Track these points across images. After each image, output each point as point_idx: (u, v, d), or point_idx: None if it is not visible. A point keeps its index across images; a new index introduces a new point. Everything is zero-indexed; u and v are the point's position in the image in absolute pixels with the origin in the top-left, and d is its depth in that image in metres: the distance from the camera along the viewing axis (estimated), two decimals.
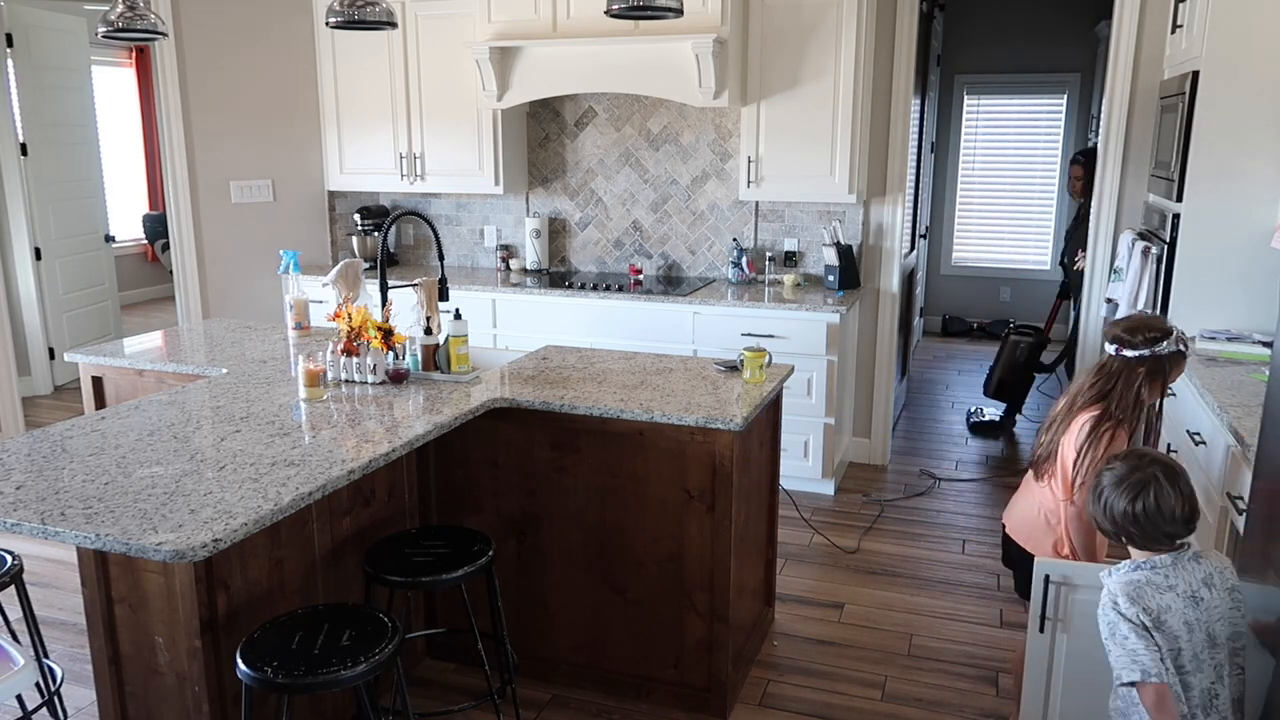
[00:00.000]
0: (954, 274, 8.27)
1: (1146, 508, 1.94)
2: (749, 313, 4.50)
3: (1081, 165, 5.46)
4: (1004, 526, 2.70)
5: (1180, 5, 3.90)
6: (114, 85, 9.39)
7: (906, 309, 5.73)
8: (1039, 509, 2.53)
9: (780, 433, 3.32)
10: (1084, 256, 5.32)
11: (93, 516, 1.94)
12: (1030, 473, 2.61)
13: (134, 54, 9.54)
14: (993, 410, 5.79)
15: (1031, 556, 2.49)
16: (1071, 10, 7.48)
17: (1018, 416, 5.72)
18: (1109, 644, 1.95)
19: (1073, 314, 5.58)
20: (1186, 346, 2.43)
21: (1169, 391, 2.59)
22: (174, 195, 5.17)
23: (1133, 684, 1.90)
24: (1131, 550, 2.05)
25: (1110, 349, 2.42)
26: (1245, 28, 3.37)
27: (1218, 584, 1.98)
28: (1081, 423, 2.40)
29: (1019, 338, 5.57)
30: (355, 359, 2.98)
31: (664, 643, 2.94)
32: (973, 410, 5.86)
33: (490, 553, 2.54)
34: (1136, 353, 2.38)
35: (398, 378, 2.99)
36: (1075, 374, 5.04)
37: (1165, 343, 2.38)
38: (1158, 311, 3.72)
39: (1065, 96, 7.73)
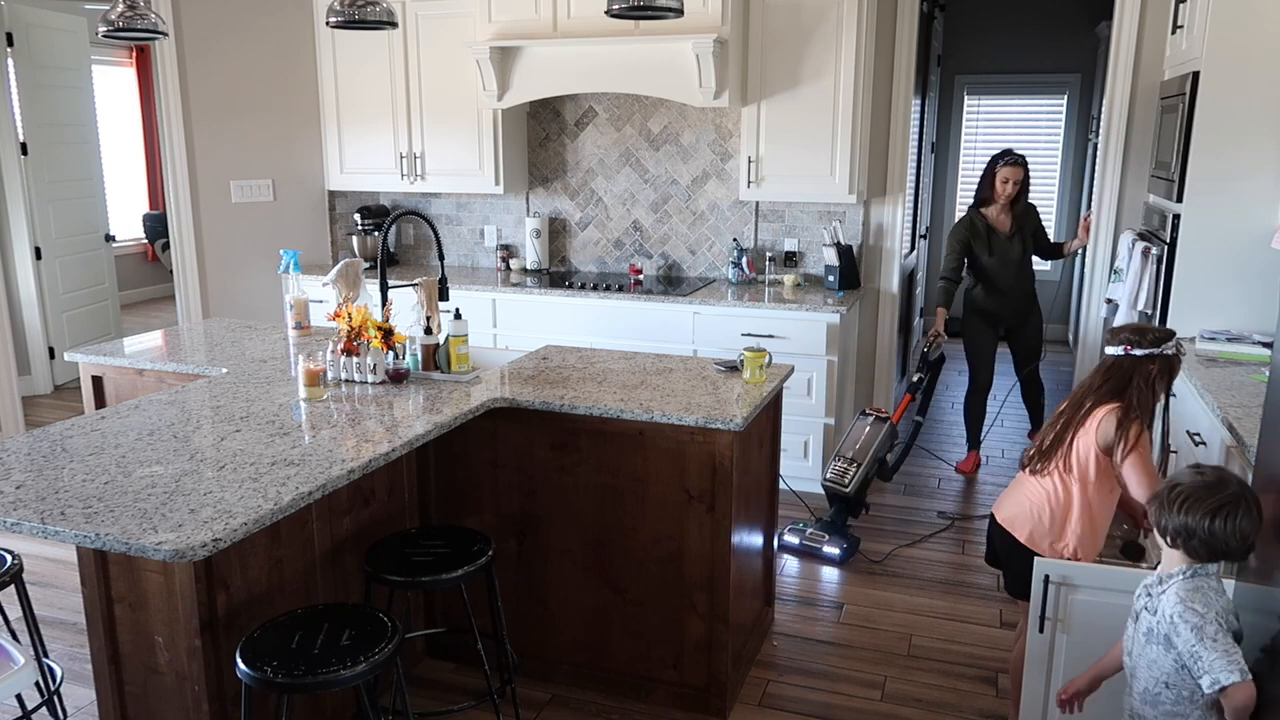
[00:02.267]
0: None
1: (1227, 526, 1.92)
2: (749, 313, 4.50)
3: (1022, 166, 4.56)
4: (990, 521, 2.70)
5: (1180, 6, 3.91)
6: (114, 85, 9.38)
7: (906, 309, 5.74)
8: (1038, 505, 2.54)
9: (780, 433, 3.32)
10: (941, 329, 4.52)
11: (92, 516, 1.94)
12: (1023, 471, 2.62)
13: (134, 53, 9.54)
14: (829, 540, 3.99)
15: (1021, 552, 2.51)
16: (1071, 10, 7.48)
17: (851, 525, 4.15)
18: (1197, 649, 1.89)
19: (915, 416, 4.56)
20: (1183, 350, 2.54)
21: (1172, 393, 2.64)
22: (174, 195, 5.17)
23: (1224, 687, 1.85)
24: (1172, 556, 2.00)
25: (1117, 350, 2.49)
26: (1245, 28, 3.37)
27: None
28: (1102, 416, 2.45)
29: (871, 417, 4.14)
30: (355, 359, 2.98)
31: (664, 643, 2.94)
32: (800, 525, 4.06)
33: (490, 552, 2.54)
34: (1146, 351, 2.46)
35: (398, 377, 2.99)
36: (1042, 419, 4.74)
37: (1169, 343, 2.48)
38: (1157, 312, 3.73)
39: (1065, 97, 7.73)
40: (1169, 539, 2.00)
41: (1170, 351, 2.48)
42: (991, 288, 4.78)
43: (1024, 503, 2.58)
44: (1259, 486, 2.10)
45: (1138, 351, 2.47)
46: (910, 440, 4.58)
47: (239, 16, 5.14)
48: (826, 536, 3.96)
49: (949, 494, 4.71)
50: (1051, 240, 4.92)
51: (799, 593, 3.69)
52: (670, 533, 2.85)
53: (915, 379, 4.53)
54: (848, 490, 3.94)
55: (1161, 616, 1.96)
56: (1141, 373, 2.47)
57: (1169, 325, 3.64)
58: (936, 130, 7.72)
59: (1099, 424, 2.45)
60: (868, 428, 4.08)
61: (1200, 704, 1.93)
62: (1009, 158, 4.64)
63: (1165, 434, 3.07)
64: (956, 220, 4.86)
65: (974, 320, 4.90)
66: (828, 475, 4.02)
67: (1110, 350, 2.51)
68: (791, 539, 4.02)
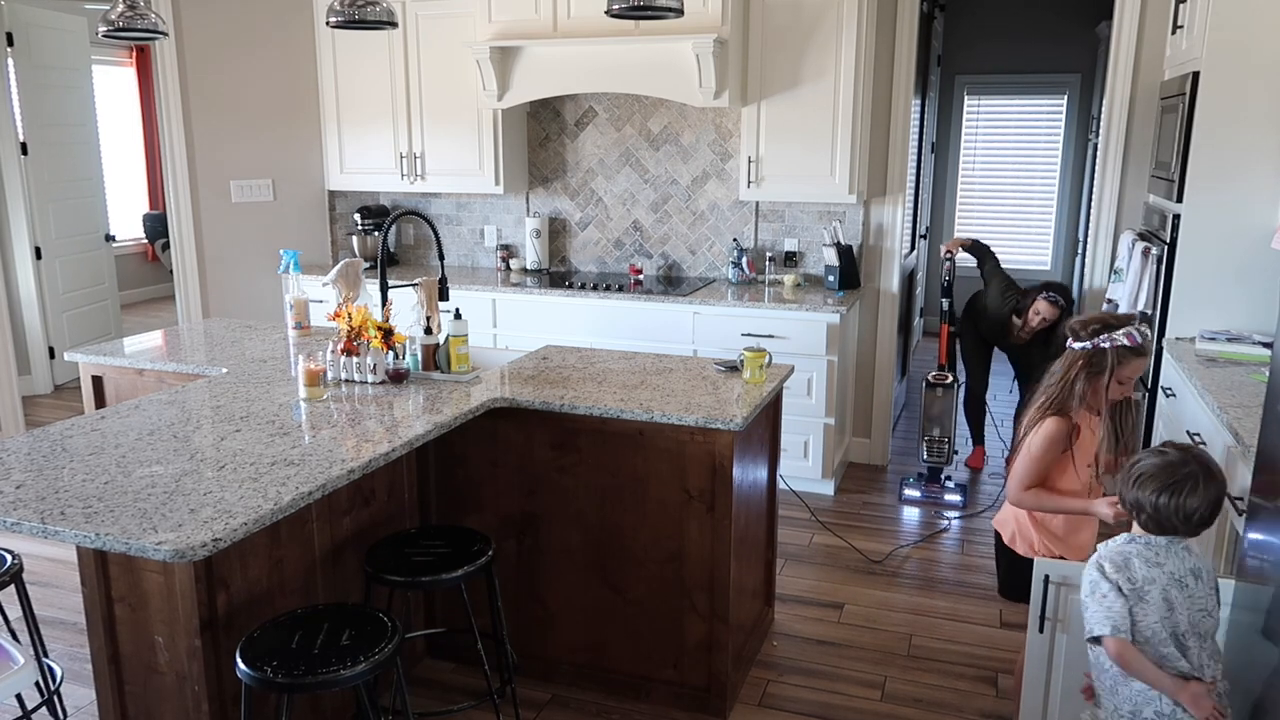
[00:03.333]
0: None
1: (1173, 503, 1.99)
2: (749, 313, 4.50)
3: (1059, 306, 4.50)
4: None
5: (1180, 6, 3.90)
6: (114, 85, 9.39)
7: (906, 309, 5.74)
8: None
9: (780, 433, 3.32)
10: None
11: (92, 516, 1.94)
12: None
13: (134, 53, 9.54)
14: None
15: (1006, 554, 2.52)
16: (1071, 10, 7.48)
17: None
18: (1087, 601, 2.04)
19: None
20: (1141, 340, 2.38)
21: (1137, 391, 2.59)
22: (174, 195, 5.17)
23: (1098, 639, 2.01)
24: (1135, 526, 2.11)
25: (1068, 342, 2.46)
26: (1245, 28, 3.37)
27: (1205, 579, 2.05)
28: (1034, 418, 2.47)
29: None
30: (355, 359, 2.98)
31: (664, 643, 2.94)
32: (910, 480, 4.70)
33: (490, 552, 2.54)
34: (1080, 345, 2.41)
35: (398, 377, 2.99)
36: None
37: (1109, 335, 2.36)
38: (1157, 312, 3.72)
39: (1065, 97, 7.73)
40: (1129, 510, 2.10)
41: (1106, 344, 2.35)
42: (982, 320, 4.89)
43: (1008, 508, 2.60)
44: (1260, 487, 2.10)
45: (1074, 345, 2.42)
46: (964, 398, 5.05)
47: (239, 16, 5.14)
48: (942, 488, 4.63)
49: (949, 495, 4.70)
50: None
51: (799, 593, 3.69)
52: (670, 533, 2.85)
53: (945, 307, 4.85)
54: (948, 464, 4.65)
55: None
56: (1067, 368, 2.42)
57: (1169, 325, 3.63)
58: (936, 130, 7.71)
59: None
60: (939, 399, 4.61)
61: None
62: (1049, 294, 4.54)
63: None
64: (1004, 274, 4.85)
65: (966, 324, 4.99)
66: (925, 456, 4.66)
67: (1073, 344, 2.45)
68: (913, 492, 4.63)
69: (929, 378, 4.67)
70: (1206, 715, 1.94)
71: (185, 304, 5.30)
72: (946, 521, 4.37)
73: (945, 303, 4.85)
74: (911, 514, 4.48)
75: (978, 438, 5.15)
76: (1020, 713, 2.45)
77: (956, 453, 4.79)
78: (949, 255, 4.83)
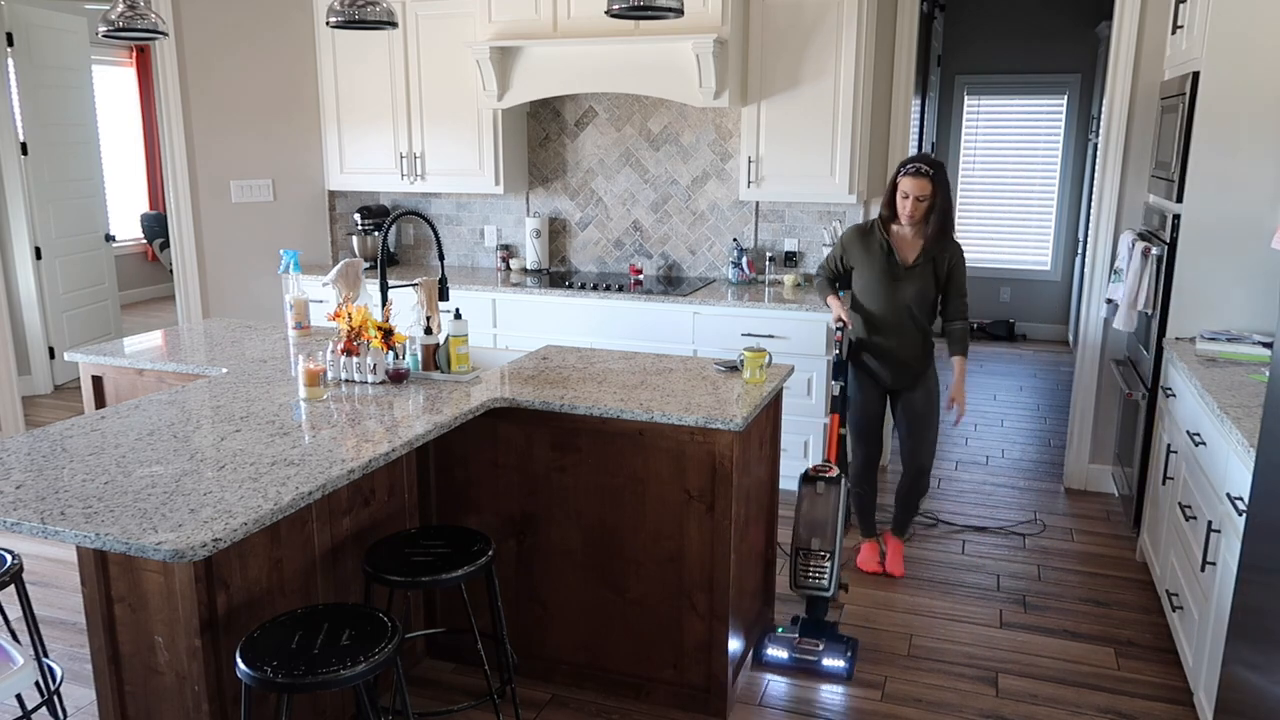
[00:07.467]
0: None
1: None
2: (749, 313, 4.50)
3: (930, 179, 3.37)
4: None
5: (1180, 6, 3.91)
6: (114, 85, 9.39)
7: None
8: None
9: (780, 433, 3.32)
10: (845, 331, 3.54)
11: (92, 516, 1.94)
12: None
13: (134, 53, 9.55)
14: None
15: None
16: (1071, 10, 7.48)
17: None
18: None
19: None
20: None
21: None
22: (174, 195, 5.17)
23: None
24: None
25: None
26: (1245, 28, 3.37)
27: None
28: None
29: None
30: (355, 359, 2.98)
31: (663, 643, 2.94)
32: (780, 631, 3.26)
33: (490, 552, 2.54)
34: None
35: (398, 377, 3.00)
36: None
37: None
38: (1157, 312, 3.73)
39: (1065, 97, 7.74)
40: None
41: None
42: (871, 322, 3.60)
43: None
44: (1259, 487, 2.10)
45: None
46: (855, 472, 3.79)
47: (239, 16, 5.14)
48: (821, 644, 3.16)
49: (947, 494, 4.71)
50: (953, 298, 3.58)
51: None
52: (670, 533, 2.85)
53: (838, 389, 3.63)
54: (830, 594, 3.21)
55: None
56: None
57: (1169, 325, 3.63)
58: (936, 130, 7.72)
59: None
60: (819, 498, 3.23)
61: None
62: (911, 166, 3.41)
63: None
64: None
65: (854, 371, 3.72)
66: (801, 581, 3.22)
67: None
68: (778, 653, 3.18)
69: (806, 470, 3.28)
70: None
71: (185, 304, 5.30)
72: (933, 520, 4.37)
73: (838, 386, 3.63)
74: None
75: (867, 527, 3.93)
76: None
77: (845, 587, 3.33)
78: (841, 325, 3.59)
